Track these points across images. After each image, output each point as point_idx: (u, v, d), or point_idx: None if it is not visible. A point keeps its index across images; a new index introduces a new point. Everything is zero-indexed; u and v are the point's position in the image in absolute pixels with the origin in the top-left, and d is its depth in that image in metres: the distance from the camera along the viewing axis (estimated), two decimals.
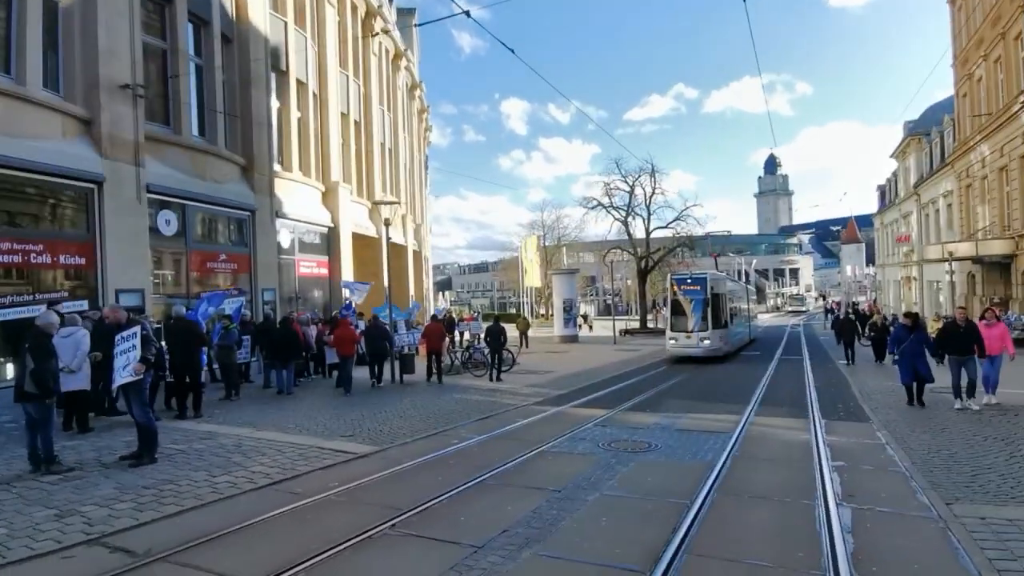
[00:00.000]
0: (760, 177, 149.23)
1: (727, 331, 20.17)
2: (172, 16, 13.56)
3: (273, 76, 17.21)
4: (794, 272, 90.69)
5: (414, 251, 29.70)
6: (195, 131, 14.22)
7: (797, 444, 7.61)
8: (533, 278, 41.02)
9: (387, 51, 27.26)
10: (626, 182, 37.61)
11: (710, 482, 5.79)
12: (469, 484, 5.78)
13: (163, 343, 9.30)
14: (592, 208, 38.17)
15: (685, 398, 11.86)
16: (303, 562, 3.87)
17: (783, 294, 71.26)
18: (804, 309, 66.21)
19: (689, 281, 19.51)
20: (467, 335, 26.31)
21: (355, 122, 22.92)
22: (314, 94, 19.43)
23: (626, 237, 38.30)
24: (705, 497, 5.33)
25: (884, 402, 10.47)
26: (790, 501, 5.30)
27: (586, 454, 7.14)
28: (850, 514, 4.89)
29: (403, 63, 29.38)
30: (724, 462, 6.62)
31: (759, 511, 5.08)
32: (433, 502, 5.20)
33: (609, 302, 65.40)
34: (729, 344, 20.44)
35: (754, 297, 25.07)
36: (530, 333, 28.48)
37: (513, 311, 48.70)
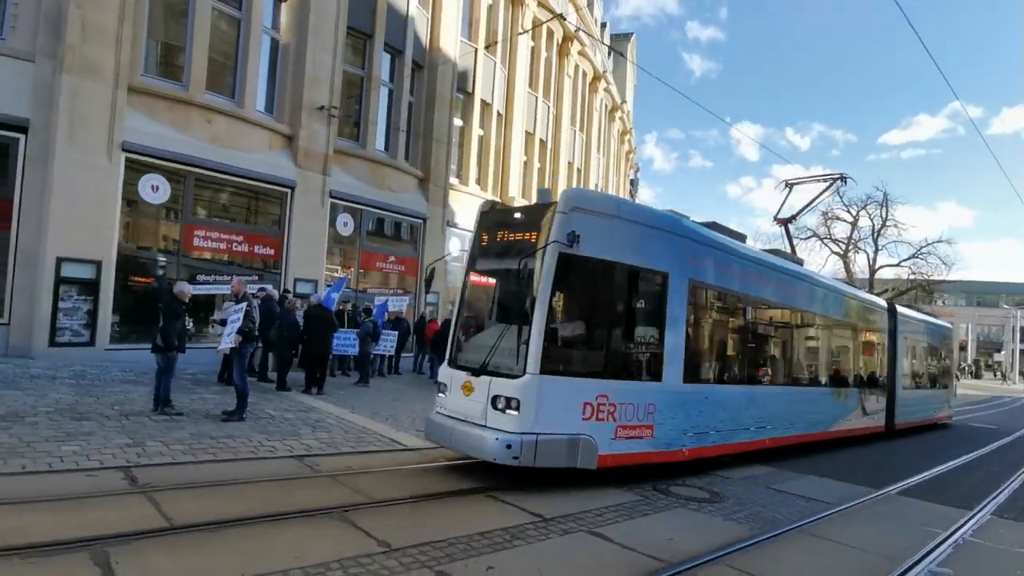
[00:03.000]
0: None
1: None
2: (371, 48, 15.67)
3: (460, 97, 18.78)
4: None
5: None
6: (379, 146, 16.18)
7: (902, 536, 5.89)
8: None
9: (584, 73, 27.84)
10: (849, 211, 32.93)
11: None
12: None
13: (299, 326, 10.77)
14: (805, 239, 34.16)
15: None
16: (228, 521, 4.19)
17: None
18: None
19: None
20: None
21: (541, 141, 23.81)
22: (499, 113, 20.70)
23: (843, 273, 33.42)
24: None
25: None
26: None
27: (618, 489, 6.46)
28: None
29: (601, 85, 29.71)
30: (782, 532, 5.44)
31: None
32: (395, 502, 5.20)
33: None
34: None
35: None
36: None
37: None
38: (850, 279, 33.30)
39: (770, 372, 9.74)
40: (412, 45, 16.71)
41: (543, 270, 5.96)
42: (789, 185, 13.61)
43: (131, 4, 10.86)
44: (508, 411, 5.87)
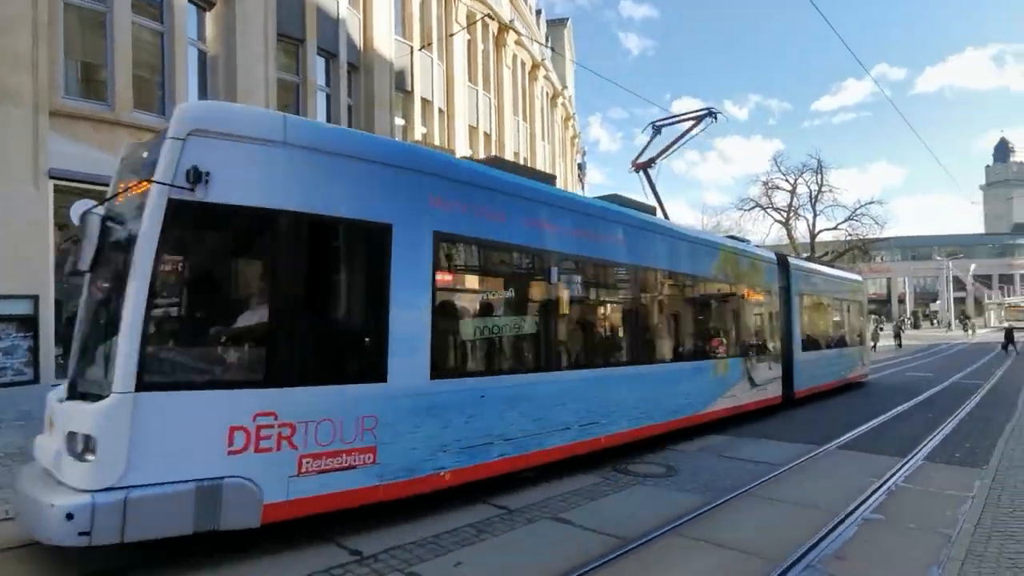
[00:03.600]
0: (988, 166, 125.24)
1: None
2: (304, 53, 15.41)
3: (400, 96, 18.68)
4: None
5: None
6: None
7: (843, 489, 6.35)
8: None
9: (523, 63, 27.98)
10: (787, 180, 34.22)
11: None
12: None
13: None
14: (748, 209, 35.36)
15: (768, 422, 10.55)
16: None
17: (1008, 304, 58.69)
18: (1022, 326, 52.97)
19: None
20: None
21: (485, 134, 23.89)
22: (440, 110, 20.67)
23: (787, 241, 34.79)
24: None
25: None
26: (750, 555, 4.52)
27: (581, 473, 6.77)
28: None
29: (541, 73, 29.90)
30: (730, 498, 5.84)
31: (697, 561, 4.43)
32: None
33: None
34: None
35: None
36: None
37: None
38: (793, 245, 34.70)
39: (604, 352, 7.77)
40: (346, 47, 16.50)
41: (143, 228, 4.01)
42: (656, 127, 11.69)
43: (44, 25, 10.43)
44: (86, 456, 3.83)
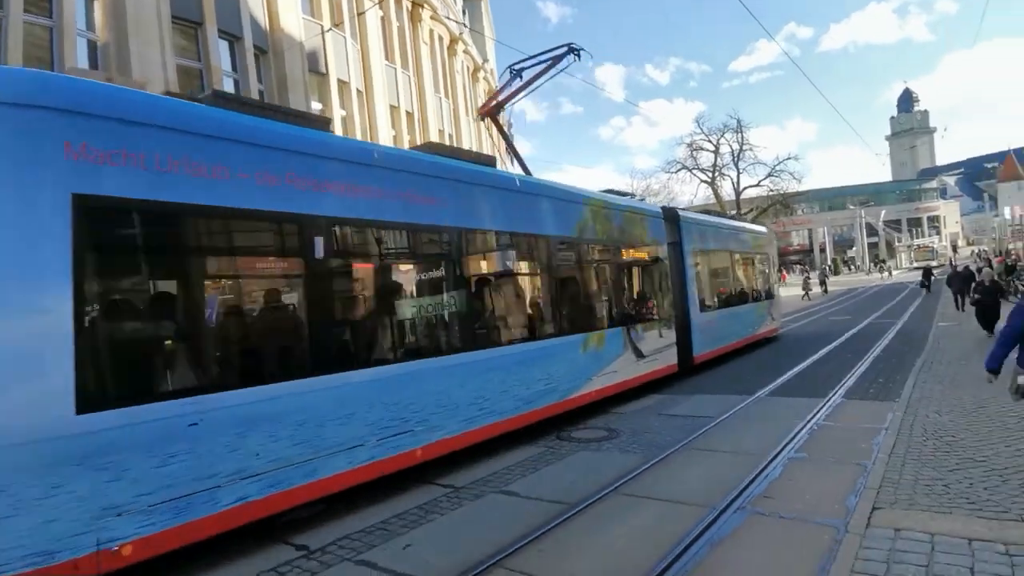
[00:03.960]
0: (893, 117, 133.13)
1: None
2: (204, 37, 14.53)
3: (313, 79, 17.95)
4: (934, 221, 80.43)
5: None
6: None
7: (772, 433, 6.73)
8: None
9: (440, 38, 27.39)
10: (710, 141, 35.33)
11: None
12: None
13: None
14: (675, 171, 36.33)
15: (707, 375, 11.04)
16: None
17: (915, 246, 63.36)
18: (935, 264, 57.23)
19: None
20: None
21: (407, 113, 23.35)
22: (358, 91, 20.02)
23: (714, 200, 36.06)
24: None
25: (948, 375, 8.99)
26: (687, 505, 4.74)
27: (526, 445, 6.89)
28: (741, 519, 4.32)
29: (460, 47, 29.40)
30: (668, 454, 6.09)
31: (638, 517, 4.62)
32: None
33: None
34: None
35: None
36: None
37: None
38: (720, 204, 35.97)
39: (415, 340, 6.20)
40: (250, 29, 15.66)
41: None
42: (515, 71, 10.54)
43: None
44: None
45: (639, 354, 9.60)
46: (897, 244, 67.53)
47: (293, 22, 16.95)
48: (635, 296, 10.31)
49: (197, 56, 14.57)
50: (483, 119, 10.50)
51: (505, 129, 10.10)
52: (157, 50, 13.10)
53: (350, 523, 4.78)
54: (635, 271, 10.48)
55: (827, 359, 12.23)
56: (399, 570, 3.94)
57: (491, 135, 9.97)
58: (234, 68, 15.55)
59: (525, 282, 7.83)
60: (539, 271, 7.96)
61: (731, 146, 35.04)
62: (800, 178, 34.34)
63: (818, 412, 7.50)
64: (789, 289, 34.91)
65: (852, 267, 68.97)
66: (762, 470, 5.38)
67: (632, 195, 12.88)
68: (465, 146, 28.72)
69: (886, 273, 50.49)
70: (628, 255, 10.17)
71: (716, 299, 13.28)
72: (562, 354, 7.79)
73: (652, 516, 4.61)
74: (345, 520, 4.85)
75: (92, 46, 12.49)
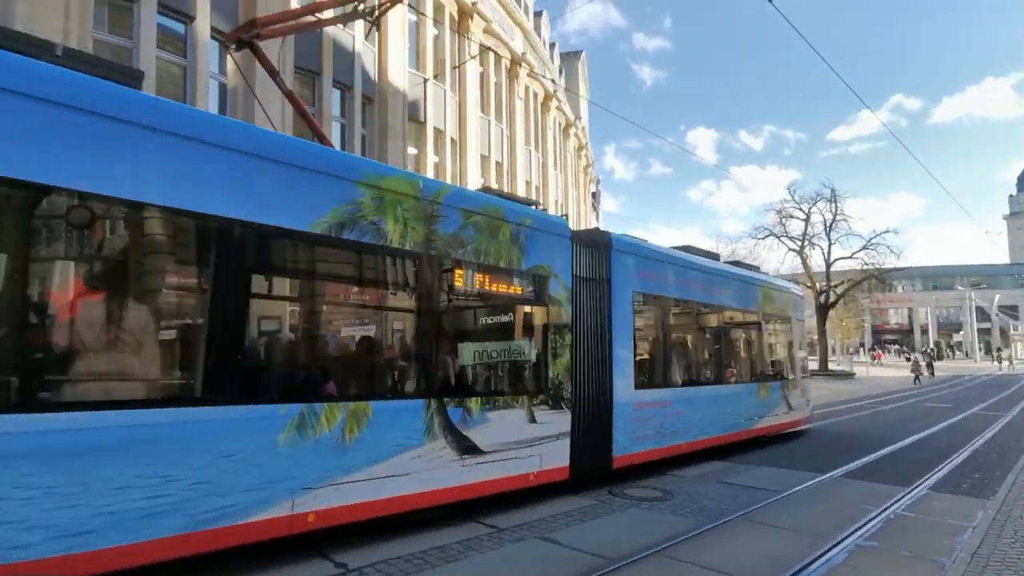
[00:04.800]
0: (1012, 196, 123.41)
1: None
2: (320, 86, 15.98)
3: (411, 127, 19.16)
4: None
5: None
6: None
7: (840, 516, 6.27)
8: None
9: (535, 94, 28.56)
10: (800, 209, 34.15)
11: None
12: None
13: None
14: (763, 238, 35.26)
15: (780, 449, 10.42)
16: None
17: None
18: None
19: None
20: None
21: (496, 163, 24.30)
22: (452, 139, 21.13)
23: (802, 269, 34.57)
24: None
25: None
26: None
27: (577, 496, 6.77)
28: None
29: (553, 104, 30.46)
30: (723, 522, 5.81)
31: None
32: None
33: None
34: None
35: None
36: None
37: None
38: (808, 274, 34.45)
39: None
40: (361, 79, 17.06)
41: None
42: None
43: None
44: None
45: (467, 449, 5.76)
46: (1013, 332, 61.48)
47: (399, 73, 18.30)
48: (480, 357, 6.25)
49: (312, 102, 15.99)
50: (236, 45, 7.05)
51: (271, 63, 7.34)
52: (279, 96, 14.47)
53: (391, 549, 4.88)
54: (491, 315, 6.67)
55: (918, 446, 11.26)
56: None
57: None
58: (342, 114, 16.91)
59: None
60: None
61: (823, 215, 33.69)
62: (899, 253, 32.35)
63: (898, 501, 6.92)
64: (885, 370, 32.43)
65: (956, 352, 63.26)
66: (824, 553, 5.02)
67: (536, 203, 8.57)
68: (551, 197, 29.39)
69: (1006, 363, 45.77)
70: (485, 288, 6.29)
71: (675, 372, 9.35)
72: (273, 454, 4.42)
73: None
74: (386, 545, 4.96)
75: (222, 89, 14.03)
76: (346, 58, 16.59)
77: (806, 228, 34.11)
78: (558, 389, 6.91)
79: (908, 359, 32.16)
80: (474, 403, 5.94)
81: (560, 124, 32.80)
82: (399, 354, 5.81)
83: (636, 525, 5.87)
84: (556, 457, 6.73)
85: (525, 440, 6.40)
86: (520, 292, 6.73)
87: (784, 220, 34.60)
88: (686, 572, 4.62)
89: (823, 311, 33.66)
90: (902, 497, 7.11)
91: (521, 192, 25.52)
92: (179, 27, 13.11)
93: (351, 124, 16.92)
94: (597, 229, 9.80)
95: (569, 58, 42.77)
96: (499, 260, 6.41)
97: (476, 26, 22.03)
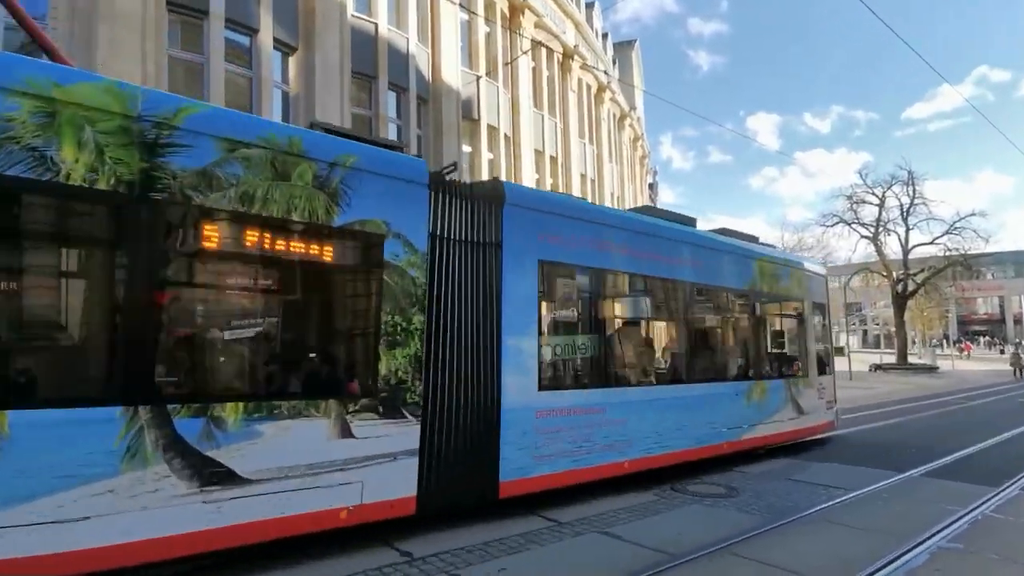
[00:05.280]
0: None
1: None
2: (375, 88, 16.38)
3: (465, 125, 19.37)
4: None
5: None
6: None
7: (921, 516, 5.93)
8: None
9: (588, 86, 28.26)
10: (874, 194, 32.36)
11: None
12: None
13: None
14: (832, 225, 33.65)
15: (853, 447, 9.95)
16: None
17: None
18: None
19: None
20: None
21: (551, 157, 24.23)
22: (506, 136, 21.21)
23: (875, 257, 32.78)
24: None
25: None
26: None
27: (637, 492, 6.70)
28: None
29: (607, 95, 30.07)
30: (791, 520, 5.61)
31: None
32: None
33: (879, 333, 56.56)
34: None
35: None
36: None
37: None
38: (884, 262, 32.62)
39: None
40: (415, 80, 17.37)
41: None
42: None
43: (152, 77, 11.72)
44: None
45: (213, 478, 4.05)
46: None
47: (452, 73, 18.52)
48: (226, 344, 4.50)
49: (369, 105, 16.43)
50: None
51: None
52: (337, 100, 14.98)
53: (454, 539, 4.98)
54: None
55: (1010, 444, 10.51)
56: None
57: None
58: (398, 115, 17.27)
59: None
60: None
61: (899, 199, 31.72)
62: (988, 237, 30.03)
63: (987, 501, 6.49)
64: (974, 363, 30.25)
65: None
66: (902, 555, 4.77)
67: (400, 147, 6.05)
68: (606, 189, 29.05)
69: None
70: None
71: (613, 368, 7.15)
72: None
73: None
74: (450, 535, 5.07)
75: (285, 97, 14.61)
76: (400, 60, 16.94)
77: (880, 213, 32.27)
78: (396, 391, 4.98)
79: (1001, 351, 29.81)
80: (230, 411, 4.15)
81: (615, 115, 32.34)
82: (83, 338, 4.08)
83: (699, 521, 5.75)
84: (391, 485, 4.87)
85: (330, 463, 4.55)
86: (328, 256, 4.88)
87: (855, 206, 32.87)
88: (752, 570, 4.50)
89: (901, 301, 31.76)
90: (991, 498, 6.65)
91: (576, 187, 25.37)
92: (244, 40, 13.72)
93: (407, 125, 17.26)
94: (494, 179, 7.29)
95: (622, 48, 42.06)
96: (288, 210, 4.57)
97: (527, 21, 22.01)
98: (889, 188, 31.85)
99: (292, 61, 14.73)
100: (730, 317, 9.19)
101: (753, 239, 10.11)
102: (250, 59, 13.66)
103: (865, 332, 61.36)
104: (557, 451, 6.06)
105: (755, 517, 5.84)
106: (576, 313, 6.89)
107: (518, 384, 5.79)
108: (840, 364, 30.49)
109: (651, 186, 45.69)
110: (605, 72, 29.65)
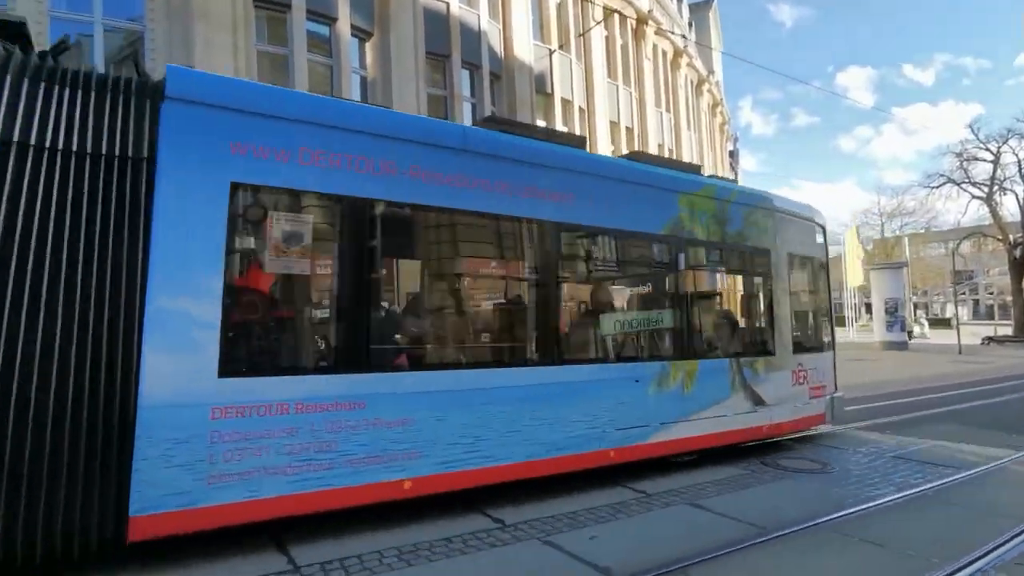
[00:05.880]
0: None
1: None
2: (449, 68, 16.54)
3: (539, 99, 19.21)
4: None
5: None
6: None
7: None
8: (855, 276, 35.25)
9: (664, 52, 27.26)
10: (987, 149, 29.46)
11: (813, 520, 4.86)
12: None
13: None
14: (938, 186, 31.03)
15: (968, 424, 9.27)
16: None
17: None
18: None
19: None
20: None
21: (627, 128, 23.67)
22: (580, 108, 20.89)
23: (989, 219, 29.95)
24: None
25: None
26: (912, 556, 4.15)
27: (725, 465, 6.58)
28: None
29: (684, 61, 28.89)
30: (895, 499, 5.35)
31: (847, 556, 4.16)
32: None
33: (992, 303, 52.19)
34: None
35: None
36: (841, 339, 24.94)
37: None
38: (999, 225, 29.80)
39: None
40: (488, 57, 17.39)
41: None
42: None
43: (242, 71, 12.40)
44: None
45: None
46: None
47: (524, 47, 18.39)
48: None
49: (443, 85, 16.63)
50: None
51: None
52: (413, 82, 15.27)
53: (544, 507, 5.10)
54: None
55: None
56: (582, 556, 4.13)
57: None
58: (472, 93, 17.39)
59: None
60: None
61: (1016, 155, 28.69)
62: None
63: None
64: None
65: None
66: (1020, 533, 4.46)
67: None
68: (684, 158, 28.10)
69: None
70: None
71: (390, 342, 5.16)
72: None
73: (858, 559, 4.14)
74: (540, 504, 5.19)
75: (363, 82, 15.05)
76: (473, 38, 16.99)
77: (995, 171, 29.38)
78: None
79: None
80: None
81: (692, 81, 31.06)
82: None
83: (792, 496, 5.60)
84: None
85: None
86: None
87: (966, 164, 30.09)
88: (851, 546, 4.34)
89: (1018, 267, 28.88)
90: None
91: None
92: (324, 29, 14.20)
93: (481, 103, 17.36)
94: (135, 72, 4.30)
95: (699, 9, 40.19)
96: None
97: None
98: (1005, 143, 28.94)
99: (368, 46, 15.12)
100: (631, 272, 7.00)
101: (695, 169, 7.83)
102: (330, 47, 14.14)
103: (976, 302, 56.62)
104: (259, 468, 4.03)
105: (849, 492, 5.61)
106: (313, 263, 4.70)
107: (177, 367, 3.82)
108: (947, 337, 28.32)
109: (731, 154, 43.71)
110: (682, 36, 28.44)
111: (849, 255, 35.25)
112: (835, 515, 4.92)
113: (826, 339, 8.50)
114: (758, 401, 7.09)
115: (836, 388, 8.33)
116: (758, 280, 7.71)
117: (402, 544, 4.22)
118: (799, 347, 7.82)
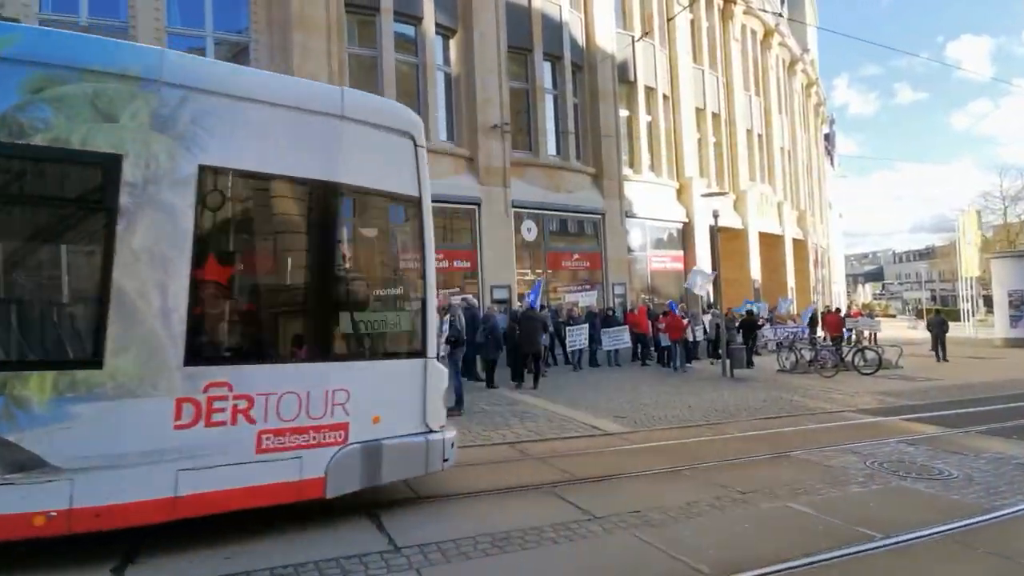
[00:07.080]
0: None
1: None
2: (531, 61, 16.57)
3: (622, 88, 18.86)
4: None
5: (795, 240, 27.38)
6: (551, 151, 16.99)
7: None
8: (971, 265, 32.17)
9: (753, 32, 25.99)
10: None
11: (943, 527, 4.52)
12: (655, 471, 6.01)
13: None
14: None
15: None
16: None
17: None
18: None
19: None
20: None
21: (713, 114, 22.80)
22: (664, 96, 20.33)
23: None
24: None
25: None
26: None
27: (838, 467, 6.22)
28: None
29: (775, 40, 27.40)
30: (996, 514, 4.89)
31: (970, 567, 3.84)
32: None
33: None
34: None
35: None
36: (956, 334, 22.80)
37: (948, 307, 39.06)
38: None
39: None
40: (569, 48, 17.27)
41: None
42: None
43: (335, 74, 12.99)
44: None
45: None
46: None
47: (606, 36, 18.13)
48: None
49: (525, 78, 16.68)
50: None
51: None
52: (495, 76, 15.44)
53: (631, 503, 5.06)
54: None
55: None
56: (671, 552, 4.07)
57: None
58: (554, 85, 17.34)
59: None
60: None
61: None
62: None
63: None
64: None
65: None
66: None
67: None
68: (775, 144, 26.71)
69: None
70: None
71: None
72: None
73: (982, 570, 3.82)
74: (623, 499, 5.17)
75: (447, 78, 15.36)
76: (554, 29, 16.94)
77: None
78: None
79: None
80: None
81: (784, 61, 29.44)
82: None
83: (906, 501, 5.24)
84: None
85: None
86: None
87: None
88: (975, 559, 4.02)
89: None
90: None
91: (742, 143, 23.63)
92: (410, 30, 14.61)
93: (563, 94, 17.30)
94: None
95: None
96: None
97: None
98: None
99: (452, 43, 15.42)
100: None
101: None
102: (415, 47, 14.55)
103: None
104: None
105: (975, 501, 5.17)
106: None
107: None
108: None
109: (827, 136, 41.03)
110: (775, 14, 26.98)
111: (962, 241, 32.26)
112: (956, 524, 4.56)
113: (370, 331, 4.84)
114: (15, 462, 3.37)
115: (427, 425, 4.85)
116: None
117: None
118: (218, 354, 4.19)
